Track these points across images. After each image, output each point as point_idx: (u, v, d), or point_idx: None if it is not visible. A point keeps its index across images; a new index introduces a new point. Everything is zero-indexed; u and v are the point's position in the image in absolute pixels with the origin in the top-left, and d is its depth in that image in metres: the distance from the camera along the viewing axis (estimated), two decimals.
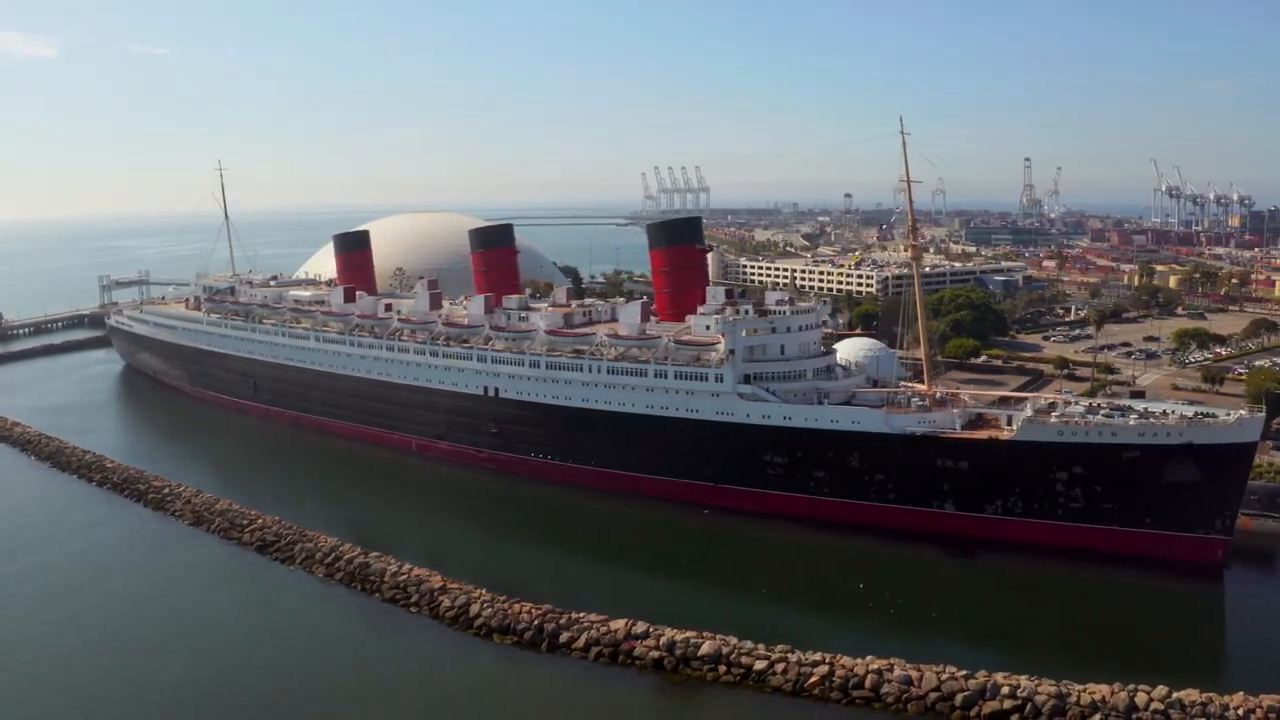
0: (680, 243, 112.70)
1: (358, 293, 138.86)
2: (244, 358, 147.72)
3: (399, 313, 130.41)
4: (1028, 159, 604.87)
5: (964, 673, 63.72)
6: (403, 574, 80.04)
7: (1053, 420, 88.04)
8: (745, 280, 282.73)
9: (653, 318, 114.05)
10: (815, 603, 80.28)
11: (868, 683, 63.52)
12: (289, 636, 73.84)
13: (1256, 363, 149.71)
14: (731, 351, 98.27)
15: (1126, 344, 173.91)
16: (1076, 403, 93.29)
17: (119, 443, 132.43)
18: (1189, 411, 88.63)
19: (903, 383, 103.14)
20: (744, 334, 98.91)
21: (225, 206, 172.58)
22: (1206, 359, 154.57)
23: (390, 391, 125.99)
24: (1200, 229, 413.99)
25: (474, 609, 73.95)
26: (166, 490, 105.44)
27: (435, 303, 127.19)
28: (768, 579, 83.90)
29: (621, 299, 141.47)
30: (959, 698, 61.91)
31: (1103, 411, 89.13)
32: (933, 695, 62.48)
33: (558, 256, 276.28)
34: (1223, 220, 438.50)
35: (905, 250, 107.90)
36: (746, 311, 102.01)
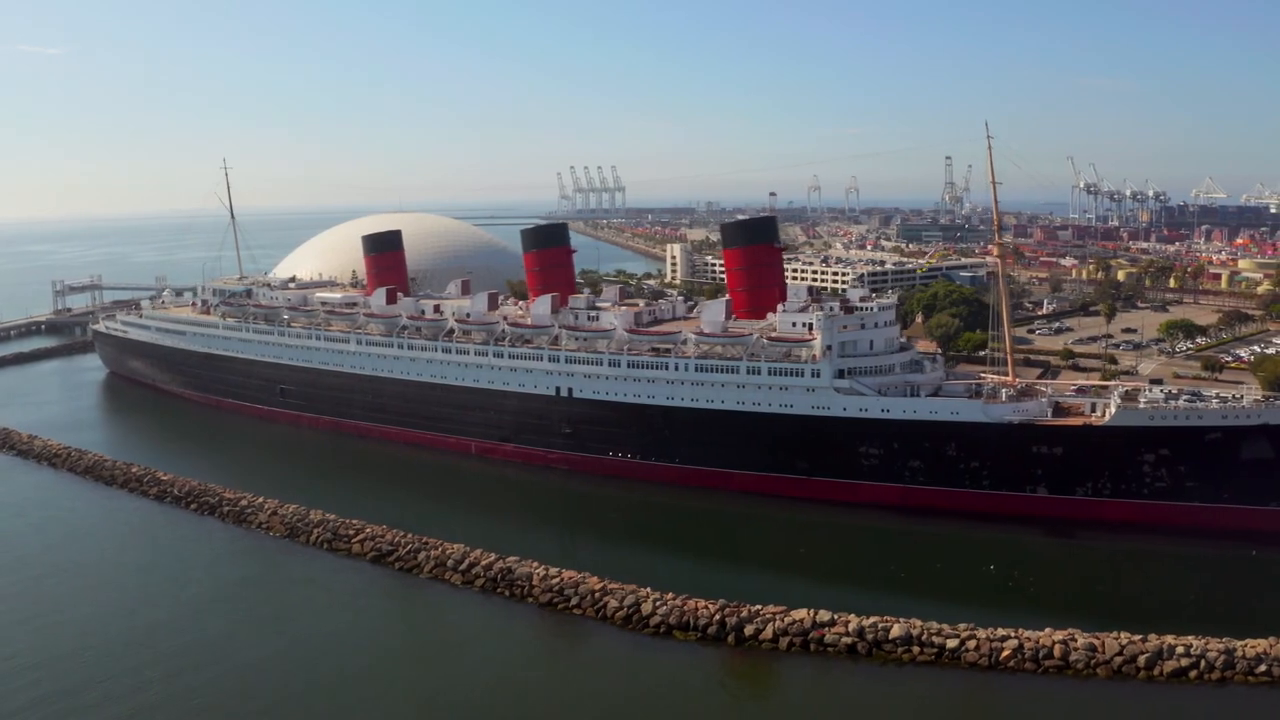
0: (757, 242, 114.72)
1: (399, 294, 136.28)
2: (270, 362, 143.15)
3: (453, 314, 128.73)
4: (949, 157, 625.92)
5: (1139, 637, 68.08)
6: (555, 577, 79.62)
7: (1142, 406, 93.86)
8: (713, 277, 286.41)
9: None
10: (954, 585, 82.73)
11: (1056, 652, 67.12)
12: (466, 652, 72.25)
13: (1238, 351, 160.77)
14: (828, 347, 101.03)
15: (1109, 335, 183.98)
16: (1151, 389, 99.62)
17: (148, 454, 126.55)
18: (1258, 394, 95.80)
19: (982, 374, 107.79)
20: (838, 330, 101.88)
21: (231, 207, 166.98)
22: (1189, 349, 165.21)
23: (447, 394, 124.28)
24: (1118, 224, 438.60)
25: (645, 608, 74.34)
26: (244, 502, 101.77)
27: (492, 303, 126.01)
28: (893, 565, 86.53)
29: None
30: (1141, 659, 66.19)
31: (1184, 397, 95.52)
32: (1117, 659, 66.61)
33: None
34: (1136, 216, 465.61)
35: (994, 251, 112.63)
36: (833, 308, 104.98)
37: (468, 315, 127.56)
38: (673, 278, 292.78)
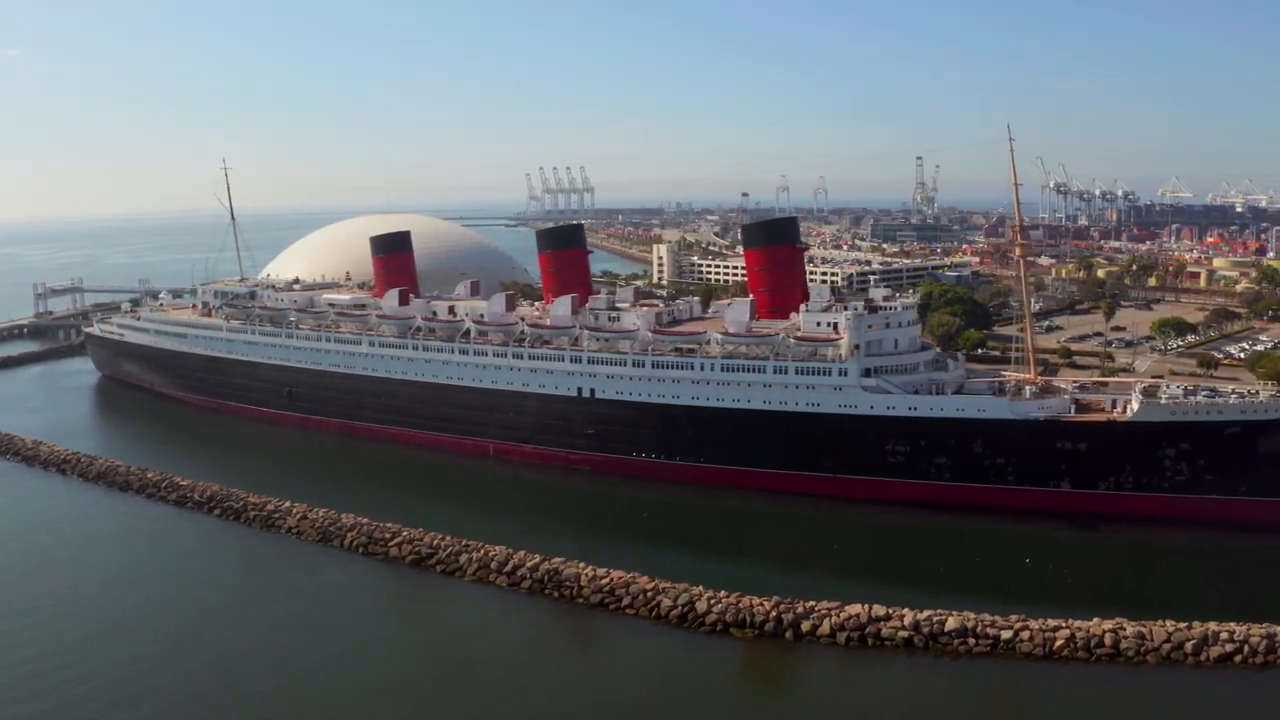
0: (779, 242, 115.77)
1: (410, 295, 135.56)
2: (276, 365, 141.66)
3: (467, 315, 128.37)
4: (919, 157, 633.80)
5: (1184, 624, 70.01)
6: (604, 578, 79.77)
7: (1164, 401, 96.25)
8: (700, 278, 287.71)
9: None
10: (995, 579, 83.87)
11: (1107, 641, 68.83)
12: (528, 656, 72.26)
13: (1227, 348, 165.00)
14: (856, 346, 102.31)
15: (1099, 333, 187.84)
16: (1170, 385, 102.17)
17: (155, 458, 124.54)
18: (1275, 390, 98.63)
19: (1003, 371, 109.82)
20: (865, 329, 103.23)
21: (231, 208, 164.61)
22: (1180, 346, 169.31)
23: (464, 396, 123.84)
24: (1087, 224, 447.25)
25: (700, 606, 74.77)
26: (270, 507, 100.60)
27: (510, 304, 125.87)
28: (930, 560, 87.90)
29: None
30: (1188, 646, 68.07)
31: (1202, 393, 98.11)
32: (1165, 646, 68.48)
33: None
34: (1104, 215, 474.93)
35: (1015, 250, 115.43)
36: (857, 308, 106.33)
37: (481, 316, 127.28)
38: (659, 279, 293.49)
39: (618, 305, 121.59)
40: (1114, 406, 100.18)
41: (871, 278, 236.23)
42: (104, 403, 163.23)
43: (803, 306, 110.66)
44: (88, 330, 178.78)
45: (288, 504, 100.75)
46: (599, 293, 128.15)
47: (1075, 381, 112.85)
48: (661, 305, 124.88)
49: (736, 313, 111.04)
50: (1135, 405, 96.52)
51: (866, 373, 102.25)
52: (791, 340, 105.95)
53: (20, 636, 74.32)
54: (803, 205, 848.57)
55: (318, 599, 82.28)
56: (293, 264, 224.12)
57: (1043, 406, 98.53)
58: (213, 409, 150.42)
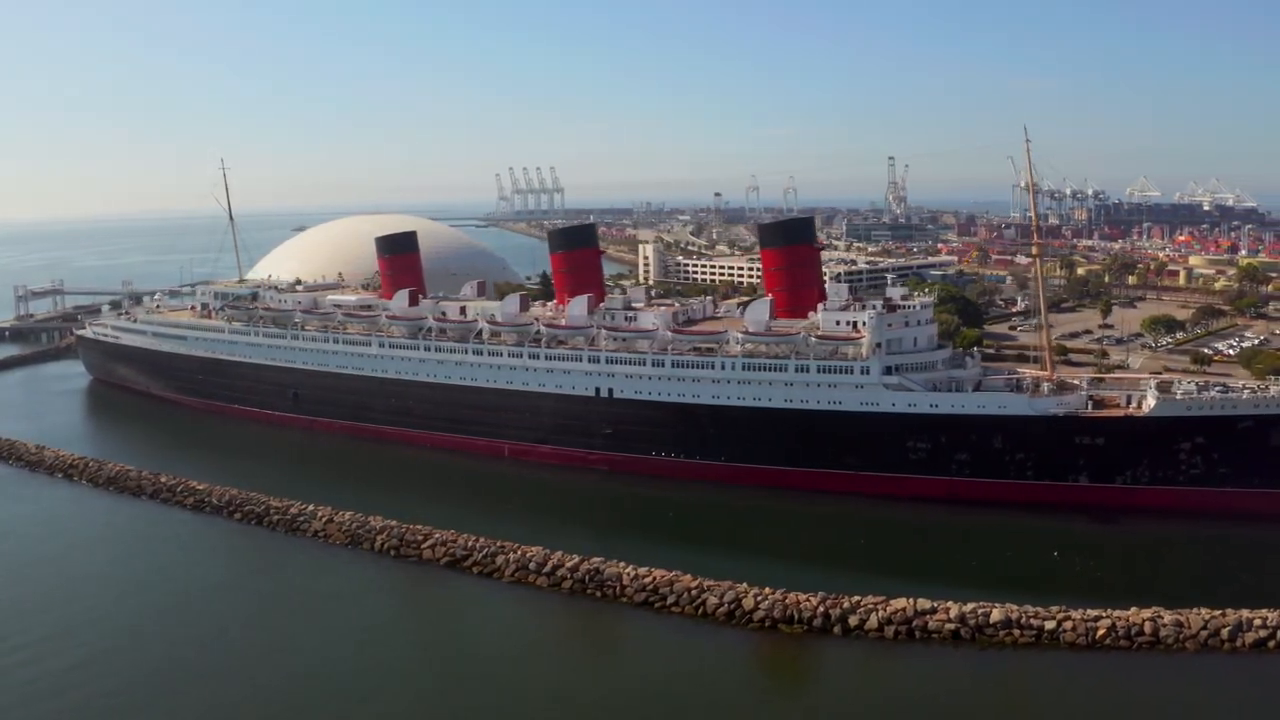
0: (796, 242, 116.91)
1: (420, 296, 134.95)
2: (281, 367, 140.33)
3: (477, 315, 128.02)
4: (891, 157, 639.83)
5: (1217, 612, 71.93)
6: (646, 577, 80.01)
7: (1179, 397, 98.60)
8: (687, 278, 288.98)
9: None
10: (1026, 571, 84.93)
11: (1147, 629, 70.54)
12: (587, 657, 72.80)
13: (1215, 345, 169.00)
14: (878, 345, 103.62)
15: (1088, 331, 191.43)
16: (1182, 382, 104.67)
17: (161, 462, 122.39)
18: None
19: (1017, 369, 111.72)
20: (886, 328, 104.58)
21: (230, 208, 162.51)
22: (1169, 343, 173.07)
23: (478, 396, 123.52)
24: (1059, 223, 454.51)
25: (747, 603, 75.36)
26: (294, 510, 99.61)
27: (524, 304, 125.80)
28: (964, 555, 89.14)
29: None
30: (1224, 632, 70.02)
31: (1215, 388, 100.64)
32: (1203, 634, 70.32)
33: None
34: (1074, 214, 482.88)
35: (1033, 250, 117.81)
36: (876, 307, 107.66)
37: (493, 316, 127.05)
38: (645, 278, 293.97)
39: (633, 305, 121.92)
40: (1129, 402, 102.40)
41: (863, 277, 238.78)
42: (98, 406, 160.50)
43: (821, 306, 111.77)
44: (79, 332, 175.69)
45: (311, 507, 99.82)
46: (612, 293, 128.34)
47: (1075, 378, 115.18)
48: (676, 305, 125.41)
49: (756, 312, 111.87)
50: (1151, 401, 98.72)
51: (888, 370, 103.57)
52: (813, 339, 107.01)
53: (78, 657, 72.72)
54: (773, 205, 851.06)
55: (359, 604, 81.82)
56: (280, 265, 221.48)
57: (1061, 403, 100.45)
58: (214, 412, 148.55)
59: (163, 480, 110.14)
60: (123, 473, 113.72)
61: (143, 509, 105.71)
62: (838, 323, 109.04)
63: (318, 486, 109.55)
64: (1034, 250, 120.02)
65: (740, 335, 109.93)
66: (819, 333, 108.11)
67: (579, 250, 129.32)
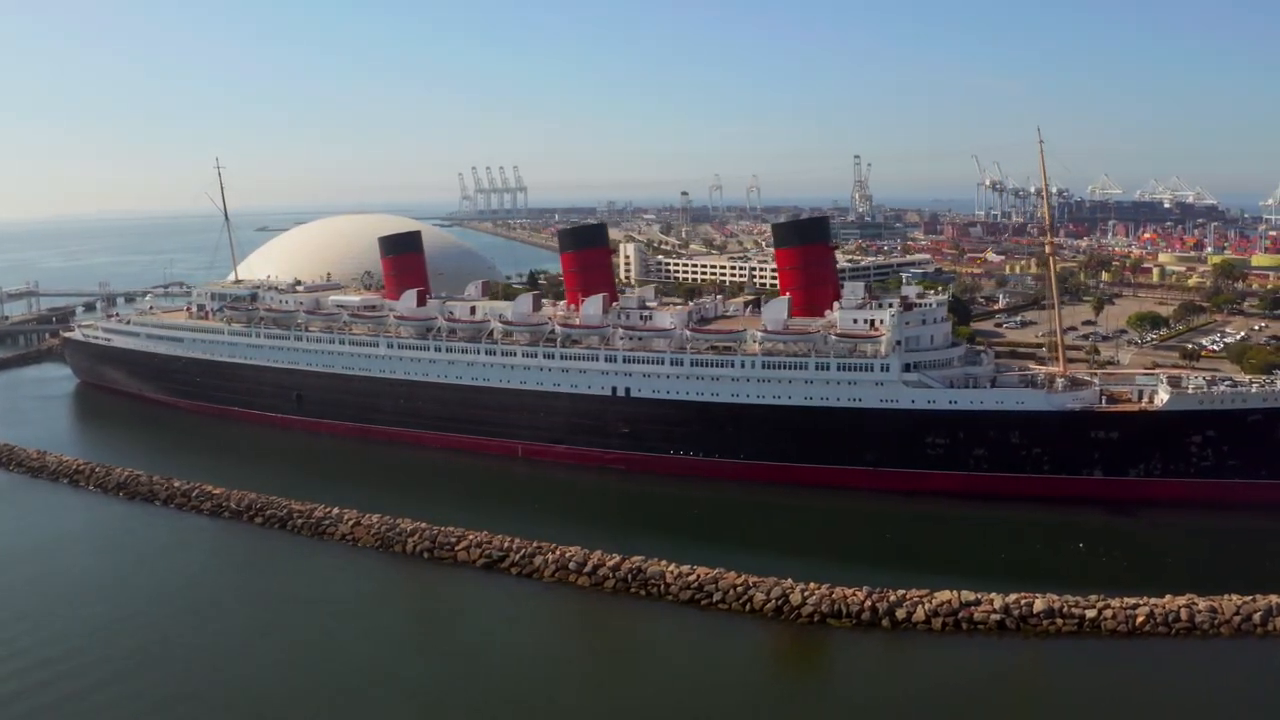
0: (811, 241, 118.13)
1: (427, 297, 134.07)
2: (283, 368, 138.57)
3: (487, 314, 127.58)
4: (858, 156, 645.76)
5: (1248, 598, 74.44)
6: (690, 574, 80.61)
7: (1191, 391, 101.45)
8: (668, 277, 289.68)
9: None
10: (1055, 563, 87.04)
11: (1183, 616, 72.74)
12: (638, 658, 73.24)
13: (1199, 340, 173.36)
14: (897, 342, 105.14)
15: (1074, 328, 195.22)
16: (1192, 377, 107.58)
17: (166, 466, 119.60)
18: None
19: (1030, 365, 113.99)
20: (904, 325, 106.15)
21: (225, 208, 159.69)
22: (1153, 339, 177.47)
23: (491, 397, 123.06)
24: (1023, 221, 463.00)
25: (795, 598, 76.19)
26: (319, 514, 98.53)
27: (536, 304, 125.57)
28: (991, 549, 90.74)
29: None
30: (1256, 617, 72.46)
31: (1225, 383, 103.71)
32: (1236, 619, 72.71)
33: None
34: (1037, 212, 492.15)
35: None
36: (892, 304, 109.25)
37: (504, 316, 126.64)
38: (626, 277, 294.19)
39: (648, 305, 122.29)
40: (1140, 397, 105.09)
41: (846, 275, 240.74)
42: (89, 410, 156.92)
43: (837, 304, 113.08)
44: (67, 335, 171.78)
45: (336, 510, 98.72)
46: (624, 292, 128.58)
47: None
48: (690, 304, 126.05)
49: (774, 310, 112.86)
50: (1164, 395, 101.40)
51: (907, 368, 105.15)
52: (832, 337, 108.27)
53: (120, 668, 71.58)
54: (736, 204, 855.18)
55: (404, 607, 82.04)
56: (265, 266, 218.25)
57: (1076, 398, 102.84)
58: (213, 415, 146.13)
59: (176, 485, 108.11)
60: (133, 478, 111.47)
61: (159, 515, 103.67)
62: (855, 321, 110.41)
63: (331, 489, 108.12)
64: (1046, 248, 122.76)
65: (759, 334, 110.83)
66: (838, 331, 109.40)
67: (590, 250, 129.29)
